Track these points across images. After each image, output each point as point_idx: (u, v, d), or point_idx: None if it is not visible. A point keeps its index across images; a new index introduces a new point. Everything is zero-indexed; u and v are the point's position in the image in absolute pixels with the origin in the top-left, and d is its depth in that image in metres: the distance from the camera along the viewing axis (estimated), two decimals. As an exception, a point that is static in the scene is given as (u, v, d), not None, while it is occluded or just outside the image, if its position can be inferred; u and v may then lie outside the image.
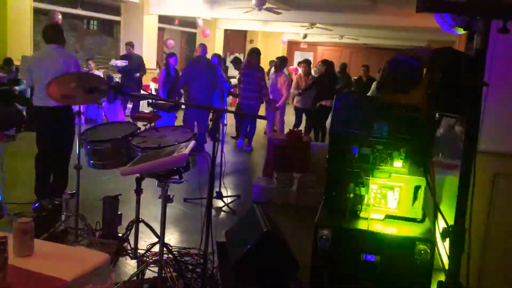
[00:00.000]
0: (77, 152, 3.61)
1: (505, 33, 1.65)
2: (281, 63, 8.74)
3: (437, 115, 4.86)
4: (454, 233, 1.76)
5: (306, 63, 9.41)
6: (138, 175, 3.03)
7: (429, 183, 2.48)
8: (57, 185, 4.58)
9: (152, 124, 8.03)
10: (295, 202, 5.28)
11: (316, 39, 21.53)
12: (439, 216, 1.94)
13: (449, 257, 1.78)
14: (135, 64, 9.87)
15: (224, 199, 5.16)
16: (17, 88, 8.21)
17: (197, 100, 7.18)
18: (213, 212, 4.80)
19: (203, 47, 7.60)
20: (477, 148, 1.77)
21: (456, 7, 1.61)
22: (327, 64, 8.88)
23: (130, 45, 10.24)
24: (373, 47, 23.48)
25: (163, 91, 8.54)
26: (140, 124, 6.95)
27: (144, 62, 10.33)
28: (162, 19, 14.36)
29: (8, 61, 8.45)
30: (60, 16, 9.95)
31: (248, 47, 18.91)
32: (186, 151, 2.48)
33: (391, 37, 17.78)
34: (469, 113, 1.71)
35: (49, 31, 4.60)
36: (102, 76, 8.40)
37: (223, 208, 5.07)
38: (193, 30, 16.85)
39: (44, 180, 4.60)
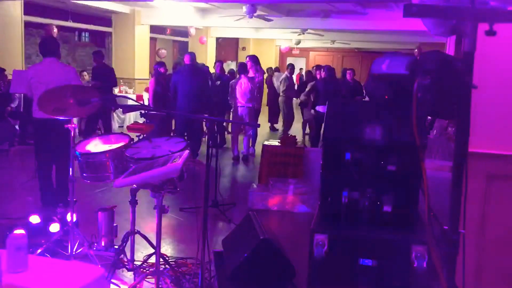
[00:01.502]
0: (70, 164, 3.60)
1: (492, 35, 1.67)
2: (240, 68, 8.56)
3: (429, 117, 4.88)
4: (449, 236, 1.77)
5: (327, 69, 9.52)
6: (132, 186, 3.02)
7: (422, 185, 2.48)
8: (60, 192, 4.62)
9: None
10: (291, 209, 5.27)
11: (308, 45, 21.63)
12: (434, 218, 1.95)
13: (444, 260, 1.78)
14: (103, 76, 8.72)
15: (220, 207, 5.15)
16: (12, 105, 8.15)
17: (181, 109, 7.21)
18: (209, 220, 4.78)
19: (188, 56, 7.60)
20: (468, 150, 1.78)
21: (442, 11, 1.62)
22: (322, 69, 9.01)
23: (97, 54, 9.04)
24: (365, 51, 23.64)
25: (154, 101, 8.47)
26: (133, 135, 6.92)
27: (115, 74, 9.10)
28: (154, 29, 14.38)
29: (1, 71, 8.32)
30: (55, 30, 9.94)
31: (241, 54, 18.99)
32: (180, 161, 2.48)
33: (382, 40, 17.91)
34: (459, 116, 1.71)
35: (47, 44, 4.62)
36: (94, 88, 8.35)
37: (219, 217, 5.06)
38: (185, 39, 16.89)
39: (47, 189, 4.66)
